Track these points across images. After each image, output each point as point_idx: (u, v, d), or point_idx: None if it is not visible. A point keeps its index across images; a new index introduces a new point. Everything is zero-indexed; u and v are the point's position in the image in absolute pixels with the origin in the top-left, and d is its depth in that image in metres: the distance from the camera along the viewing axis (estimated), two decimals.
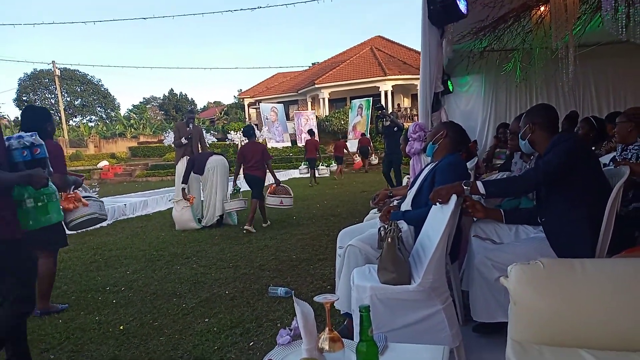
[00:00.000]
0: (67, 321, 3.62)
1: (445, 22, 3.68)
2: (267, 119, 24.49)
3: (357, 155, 18.07)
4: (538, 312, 1.58)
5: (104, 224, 8.28)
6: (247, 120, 32.67)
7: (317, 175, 15.52)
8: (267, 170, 7.00)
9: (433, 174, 2.82)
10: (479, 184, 2.41)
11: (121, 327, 3.41)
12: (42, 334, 3.39)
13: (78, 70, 47.81)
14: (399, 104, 27.01)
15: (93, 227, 7.60)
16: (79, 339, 3.25)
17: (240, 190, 7.28)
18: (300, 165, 18.21)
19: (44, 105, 49.03)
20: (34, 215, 2.68)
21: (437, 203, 2.42)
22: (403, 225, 2.66)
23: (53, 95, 46.86)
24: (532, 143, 2.67)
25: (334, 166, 17.51)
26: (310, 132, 9.70)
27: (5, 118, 48.62)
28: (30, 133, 2.70)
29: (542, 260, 1.67)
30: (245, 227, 6.80)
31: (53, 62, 35.21)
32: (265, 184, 7.15)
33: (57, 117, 40.66)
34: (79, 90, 49.55)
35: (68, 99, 48.01)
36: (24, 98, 49.13)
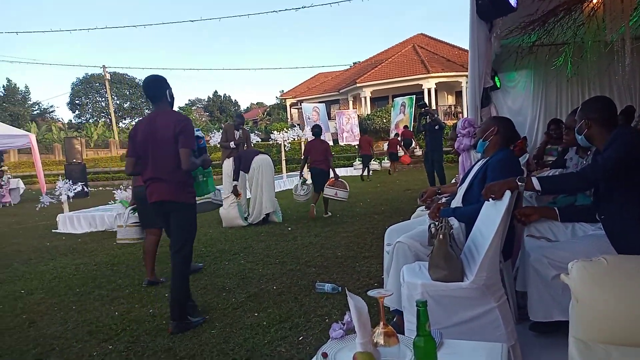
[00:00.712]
0: (123, 313, 3.77)
1: (494, 16, 3.61)
2: (309, 118, 24.61)
3: (401, 147, 18.15)
4: (602, 310, 1.53)
5: None
6: (289, 120, 32.92)
7: (366, 172, 16.31)
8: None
9: (484, 170, 2.76)
10: (534, 180, 2.35)
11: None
12: (100, 325, 3.55)
13: (127, 74, 49.58)
14: (435, 110, 26.58)
15: None
16: (135, 331, 3.38)
17: (306, 181, 8.31)
18: (355, 161, 18.88)
19: (94, 108, 51.17)
20: (202, 187, 3.95)
21: (490, 199, 2.37)
22: (454, 222, 2.63)
23: (104, 99, 48.78)
24: (589, 138, 2.58)
25: (387, 162, 18.22)
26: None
27: (60, 121, 51.00)
28: (197, 128, 3.62)
29: (605, 257, 1.62)
30: (311, 205, 7.92)
31: (103, 66, 36.65)
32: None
33: (108, 120, 42.29)
34: (127, 93, 51.37)
35: (118, 101, 49.85)
36: (77, 102, 51.39)
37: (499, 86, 5.95)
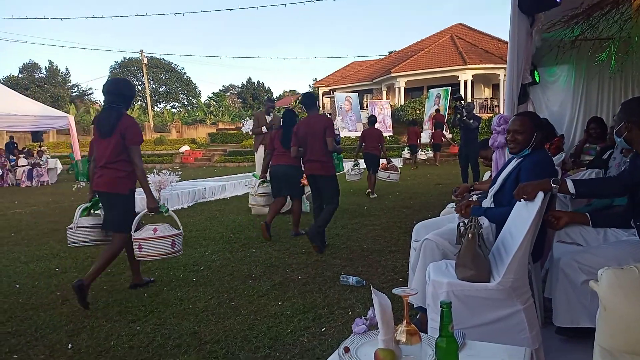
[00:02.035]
0: (151, 296, 3.87)
1: (536, 10, 3.49)
2: (341, 108, 24.52)
3: (444, 138, 18.18)
4: (631, 320, 1.48)
5: (185, 205, 8.75)
6: (321, 109, 32.88)
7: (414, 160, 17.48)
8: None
9: (518, 171, 2.70)
10: (569, 182, 2.28)
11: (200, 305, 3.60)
12: (129, 306, 3.65)
13: (163, 59, 50.40)
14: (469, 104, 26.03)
15: (176, 208, 8.05)
16: (162, 313, 3.47)
17: (358, 164, 9.51)
18: (403, 151, 19.17)
19: None
20: (338, 166, 5.96)
21: (522, 200, 2.32)
22: (484, 221, 2.58)
23: (140, 83, 49.72)
24: (629, 141, 2.48)
25: (430, 153, 18.49)
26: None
27: (97, 103, 52.36)
28: (335, 128, 5.76)
29: (637, 266, 1.56)
30: (368, 192, 9.17)
31: (141, 51, 37.27)
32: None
33: (144, 103, 43.13)
34: (163, 77, 52.27)
35: (153, 86, 50.80)
36: None
37: (538, 81, 5.77)
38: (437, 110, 20.40)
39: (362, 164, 9.64)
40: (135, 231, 3.81)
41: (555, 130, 5.50)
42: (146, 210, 3.91)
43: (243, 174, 13.29)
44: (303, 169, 5.54)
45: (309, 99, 5.45)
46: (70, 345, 2.97)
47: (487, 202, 2.89)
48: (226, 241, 5.73)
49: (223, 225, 6.83)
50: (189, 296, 3.81)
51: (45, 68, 49.86)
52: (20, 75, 48.55)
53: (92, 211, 4.21)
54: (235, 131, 31.03)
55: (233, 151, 24.40)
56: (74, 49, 53.89)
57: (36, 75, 49.34)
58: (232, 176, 12.91)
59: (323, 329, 3.06)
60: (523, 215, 2.30)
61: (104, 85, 3.83)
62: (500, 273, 2.18)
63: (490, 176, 5.34)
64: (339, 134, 5.44)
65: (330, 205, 5.14)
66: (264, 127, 8.03)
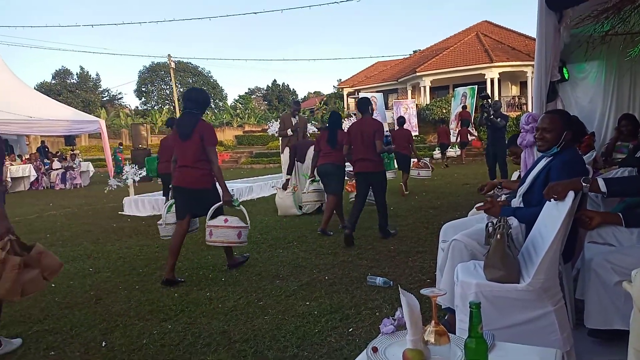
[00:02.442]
0: (182, 295, 3.95)
1: (564, 6, 3.44)
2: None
3: (469, 133, 18.06)
4: None
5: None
6: (345, 109, 32.84)
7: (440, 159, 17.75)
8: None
9: (547, 170, 2.65)
10: (600, 181, 2.24)
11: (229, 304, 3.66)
12: (160, 305, 3.73)
13: (190, 63, 51.16)
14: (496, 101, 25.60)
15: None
16: (193, 312, 3.54)
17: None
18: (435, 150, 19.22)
19: (159, 95, 53.22)
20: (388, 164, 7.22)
21: (552, 200, 2.28)
22: (513, 221, 2.55)
23: (168, 86, 50.63)
24: None
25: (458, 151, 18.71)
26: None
27: (127, 107, 53.51)
28: (386, 130, 6.42)
29: None
30: (400, 184, 9.34)
31: (169, 55, 37.88)
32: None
33: (172, 107, 43.82)
34: (191, 81, 53.04)
35: (181, 89, 51.56)
36: (143, 89, 53.66)
37: (567, 78, 5.66)
38: (464, 107, 20.44)
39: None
40: (209, 219, 4.37)
41: (586, 128, 5.37)
42: (221, 202, 4.42)
43: (269, 176, 13.39)
44: (351, 168, 6.02)
45: (363, 105, 5.80)
46: (104, 343, 3.06)
47: (516, 202, 2.86)
48: (254, 242, 5.79)
49: (250, 225, 6.86)
50: (218, 296, 3.87)
51: (77, 74, 51.27)
52: (53, 81, 50.02)
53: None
54: (261, 133, 31.28)
55: (259, 153, 24.61)
56: (104, 55, 55.17)
57: (68, 81, 50.75)
58: (259, 177, 13.03)
59: (350, 329, 3.07)
60: (553, 215, 2.26)
61: (184, 93, 4.59)
62: (530, 274, 2.15)
63: (519, 175, 5.26)
64: (388, 135, 6.08)
65: (380, 200, 5.69)
66: (290, 129, 8.09)
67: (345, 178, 6.71)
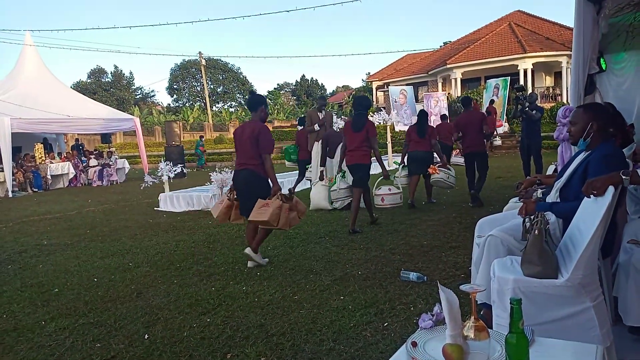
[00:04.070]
0: (219, 289, 4.05)
1: None
2: (395, 102, 24.25)
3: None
4: None
5: None
6: (374, 103, 32.67)
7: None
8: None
9: (585, 165, 2.61)
10: None
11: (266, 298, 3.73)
12: (199, 299, 3.84)
13: (220, 60, 51.72)
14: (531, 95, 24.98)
15: None
16: (230, 306, 3.63)
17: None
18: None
19: (191, 93, 54.07)
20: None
21: (592, 195, 2.25)
22: (550, 216, 2.53)
23: (199, 84, 51.35)
24: None
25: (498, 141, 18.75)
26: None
27: (159, 105, 54.57)
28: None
29: None
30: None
31: (200, 53, 38.52)
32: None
33: (203, 104, 44.47)
34: (221, 78, 53.69)
35: (212, 86, 52.27)
36: (175, 86, 54.60)
37: (604, 68, 5.50)
38: (492, 102, 19.90)
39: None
40: (376, 189, 7.10)
41: (624, 119, 5.22)
42: (382, 176, 6.27)
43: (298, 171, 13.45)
44: (461, 150, 8.19)
45: (467, 100, 7.79)
46: (146, 336, 3.18)
47: (553, 197, 2.82)
48: (286, 237, 5.87)
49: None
50: (254, 290, 3.95)
51: (111, 73, 52.57)
52: (88, 81, 51.42)
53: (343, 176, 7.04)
54: (290, 128, 31.40)
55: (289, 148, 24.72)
56: (136, 54, 56.40)
57: (103, 80, 52.08)
58: (289, 173, 13.10)
59: (385, 324, 3.10)
60: (592, 211, 2.24)
61: (354, 100, 6.28)
62: (569, 269, 2.14)
63: (555, 169, 5.16)
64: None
65: (482, 177, 7.36)
66: (317, 124, 8.14)
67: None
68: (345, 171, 6.79)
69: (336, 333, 3.01)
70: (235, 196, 4.78)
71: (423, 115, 7.78)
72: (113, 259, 5.35)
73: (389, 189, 7.22)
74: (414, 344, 1.54)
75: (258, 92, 5.89)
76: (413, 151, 7.59)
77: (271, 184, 4.59)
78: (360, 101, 6.03)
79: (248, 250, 4.60)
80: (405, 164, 7.85)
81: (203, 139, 24.38)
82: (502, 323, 2.19)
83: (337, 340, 2.92)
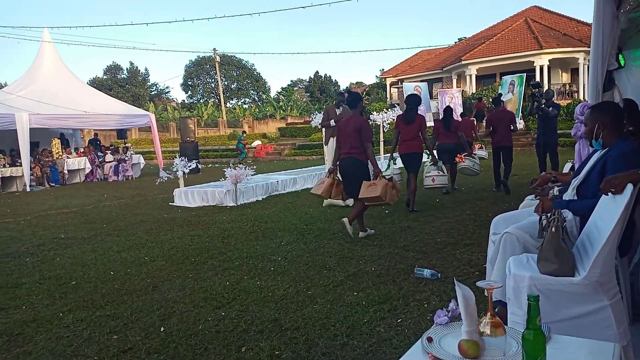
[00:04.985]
0: (233, 283, 4.08)
1: None
2: None
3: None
4: None
5: (260, 197, 9.07)
6: (388, 100, 32.54)
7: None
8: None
9: (603, 163, 2.59)
10: None
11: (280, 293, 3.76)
12: (213, 293, 3.87)
13: (234, 56, 51.89)
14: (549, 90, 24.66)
15: (251, 201, 8.38)
16: (244, 300, 3.66)
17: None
18: None
19: (205, 89, 54.39)
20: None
21: (610, 193, 2.23)
22: (567, 214, 2.51)
23: (213, 80, 51.60)
24: None
25: None
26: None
27: (174, 101, 54.95)
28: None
29: None
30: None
31: (214, 49, 38.65)
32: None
33: (217, 100, 44.67)
34: (235, 74, 53.86)
35: (226, 83, 52.48)
36: (189, 83, 54.92)
37: (623, 65, 5.42)
38: (480, 99, 21.00)
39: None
40: (427, 173, 7.80)
41: None
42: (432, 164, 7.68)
43: (312, 167, 13.49)
44: (481, 144, 9.53)
45: (497, 100, 8.81)
46: (162, 329, 3.22)
47: (570, 194, 2.80)
48: (300, 232, 5.89)
49: (296, 217, 7.02)
50: (268, 285, 3.98)
51: (127, 69, 53.00)
52: (104, 77, 51.93)
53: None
54: (303, 125, 31.44)
55: (302, 145, 24.78)
56: (152, 50, 56.87)
57: (119, 76, 52.56)
58: (303, 169, 13.14)
59: (399, 320, 3.11)
60: (610, 208, 2.21)
61: (407, 98, 7.23)
62: (586, 267, 2.12)
63: (571, 167, 5.11)
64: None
65: (507, 163, 8.21)
66: (333, 120, 8.12)
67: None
68: (396, 157, 8.00)
69: (350, 328, 3.03)
70: (340, 178, 5.75)
71: (449, 110, 8.71)
72: (129, 253, 5.41)
73: (438, 172, 7.86)
74: (430, 340, 1.54)
75: (353, 90, 6.96)
76: (442, 143, 8.49)
77: (372, 168, 5.45)
78: (412, 99, 7.05)
79: (362, 234, 5.50)
80: (435, 155, 8.15)
81: (244, 134, 25.17)
82: (518, 320, 2.19)
83: (350, 335, 2.93)
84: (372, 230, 5.64)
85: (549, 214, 2.37)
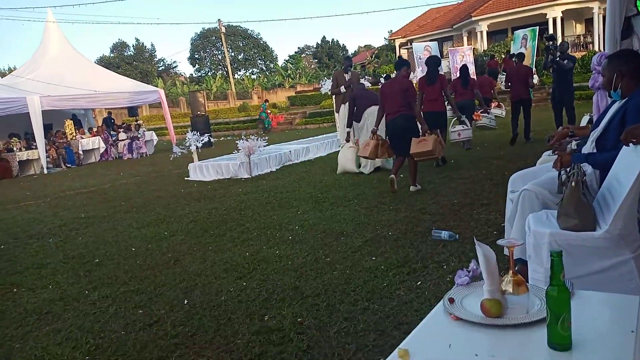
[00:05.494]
0: (253, 254, 4.13)
1: None
2: (420, 59, 23.64)
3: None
4: None
5: (274, 168, 9.08)
6: None
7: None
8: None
9: (623, 112, 2.52)
10: None
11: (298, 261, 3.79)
12: (233, 264, 3.93)
13: (240, 26, 51.17)
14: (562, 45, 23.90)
15: (265, 172, 8.41)
16: (264, 270, 3.70)
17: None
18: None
19: (212, 62, 53.95)
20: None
21: (631, 144, 2.17)
22: (587, 168, 2.45)
23: (220, 52, 51.09)
24: None
25: None
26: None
27: (182, 75, 54.70)
28: None
29: None
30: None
31: (219, 20, 38.12)
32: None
33: (225, 72, 44.32)
34: (241, 45, 53.24)
35: (232, 54, 51.92)
36: (196, 56, 54.45)
37: None
38: (492, 57, 20.91)
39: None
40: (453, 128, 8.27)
41: None
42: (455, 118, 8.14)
43: (324, 135, 13.42)
44: (510, 97, 9.24)
45: (521, 56, 9.58)
46: (186, 301, 3.28)
47: (589, 147, 2.74)
48: (315, 201, 5.91)
49: (311, 185, 7.03)
50: (287, 253, 4.02)
51: (133, 46, 52.65)
52: (111, 55, 51.71)
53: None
54: (313, 92, 31.13)
55: (313, 113, 24.60)
56: (157, 25, 56.26)
57: (125, 54, 52.28)
58: (315, 138, 13.07)
59: (419, 282, 3.12)
60: (632, 159, 2.16)
61: (428, 60, 7.20)
62: (607, 221, 2.09)
63: (589, 120, 4.99)
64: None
65: (526, 115, 8.78)
66: (343, 86, 8.03)
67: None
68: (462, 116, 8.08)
69: (370, 293, 3.05)
70: (388, 138, 6.18)
71: (465, 69, 9.19)
72: (149, 229, 5.49)
73: (463, 127, 8.19)
74: (451, 300, 1.54)
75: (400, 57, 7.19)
76: (459, 101, 8.62)
77: (420, 125, 5.86)
78: (432, 60, 7.21)
79: (413, 188, 5.83)
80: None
81: (267, 103, 25.47)
82: (539, 278, 2.18)
83: (371, 299, 2.95)
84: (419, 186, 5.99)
85: (568, 169, 2.33)
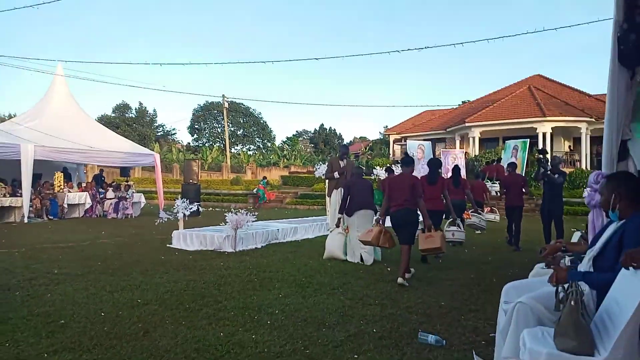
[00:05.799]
0: (228, 335, 3.91)
1: (638, 62, 3.34)
2: (413, 156, 24.32)
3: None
4: None
5: (259, 245, 8.92)
6: (391, 156, 32.82)
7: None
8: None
9: (620, 235, 2.52)
10: None
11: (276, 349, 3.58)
12: (206, 344, 3.70)
13: (242, 104, 52.93)
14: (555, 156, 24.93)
15: (250, 247, 8.25)
16: (238, 355, 3.48)
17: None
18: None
19: (211, 133, 55.09)
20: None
21: (631, 268, 2.14)
22: (584, 287, 2.41)
23: (220, 125, 52.36)
24: None
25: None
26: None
27: (179, 143, 55.53)
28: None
29: None
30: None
31: (223, 95, 39.38)
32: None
33: (222, 145, 45.11)
34: (242, 121, 54.77)
35: (232, 128, 53.25)
36: (196, 126, 55.73)
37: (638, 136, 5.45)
38: (487, 163, 21.26)
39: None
40: (448, 227, 8.03)
41: None
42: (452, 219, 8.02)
43: (313, 217, 13.40)
44: (505, 203, 9.76)
45: (513, 165, 10.41)
46: None
47: (585, 266, 2.71)
48: (299, 285, 5.74)
49: (295, 267, 6.87)
50: (263, 339, 3.81)
51: (136, 109, 53.92)
52: (113, 115, 52.71)
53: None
54: (306, 174, 31.56)
55: (304, 194, 24.75)
56: (162, 91, 58.11)
57: (127, 115, 53.35)
58: (304, 219, 13.04)
59: None
60: (632, 283, 2.12)
61: (429, 161, 7.88)
62: (607, 347, 2.01)
63: (580, 236, 5.02)
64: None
65: (517, 222, 9.19)
66: (337, 172, 8.14)
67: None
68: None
69: None
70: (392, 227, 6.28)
71: (457, 169, 9.49)
72: (122, 294, 5.24)
73: (457, 228, 8.16)
74: None
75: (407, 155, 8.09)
76: (450, 200, 8.55)
77: (423, 219, 6.16)
78: (434, 162, 7.86)
79: (400, 281, 5.81)
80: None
81: (266, 179, 26.24)
82: None
83: None
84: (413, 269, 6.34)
85: (565, 286, 2.28)
